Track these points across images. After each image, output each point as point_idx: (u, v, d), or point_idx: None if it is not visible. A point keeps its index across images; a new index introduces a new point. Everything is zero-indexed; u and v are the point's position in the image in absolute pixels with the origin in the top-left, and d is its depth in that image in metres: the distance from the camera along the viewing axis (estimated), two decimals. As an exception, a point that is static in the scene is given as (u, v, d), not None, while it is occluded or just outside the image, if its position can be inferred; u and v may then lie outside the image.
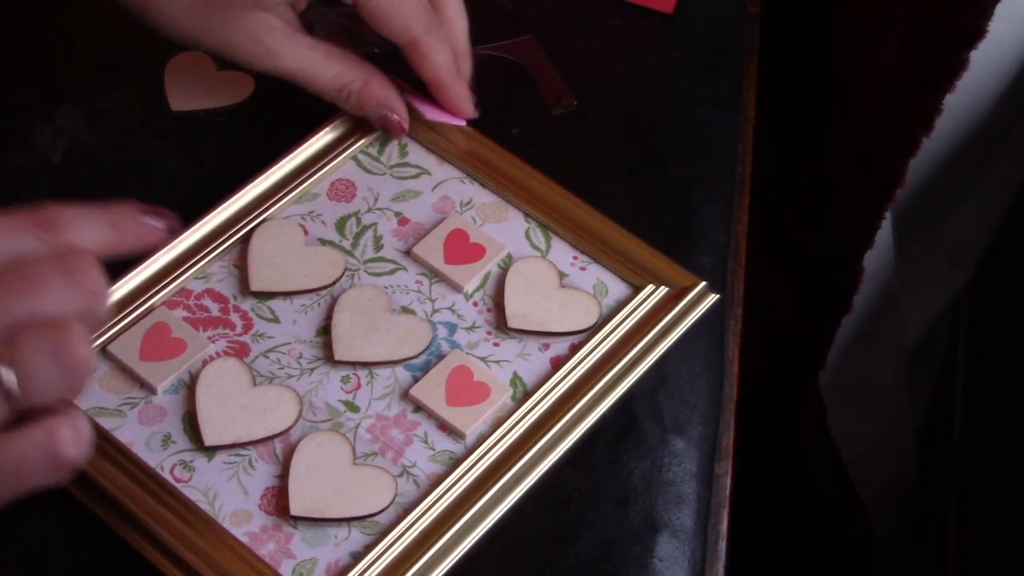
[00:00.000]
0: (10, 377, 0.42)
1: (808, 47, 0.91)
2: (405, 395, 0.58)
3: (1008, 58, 0.79)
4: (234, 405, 0.57)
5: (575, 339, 0.60)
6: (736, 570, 0.61)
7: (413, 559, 0.53)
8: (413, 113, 0.66)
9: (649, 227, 0.64)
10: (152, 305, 0.60)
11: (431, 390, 0.58)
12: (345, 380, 0.59)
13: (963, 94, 0.74)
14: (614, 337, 0.60)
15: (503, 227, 0.64)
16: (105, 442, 0.55)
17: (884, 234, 0.83)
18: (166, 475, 0.55)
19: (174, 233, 0.51)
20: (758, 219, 0.70)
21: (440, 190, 0.65)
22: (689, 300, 0.61)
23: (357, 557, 0.54)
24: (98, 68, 0.70)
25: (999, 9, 0.69)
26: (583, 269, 0.63)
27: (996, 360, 1.05)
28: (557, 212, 0.64)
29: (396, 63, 0.64)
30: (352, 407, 0.58)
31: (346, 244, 0.63)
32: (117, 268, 0.60)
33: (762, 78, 0.73)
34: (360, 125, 0.66)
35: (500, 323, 0.61)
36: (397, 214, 0.64)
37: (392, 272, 0.62)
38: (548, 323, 0.60)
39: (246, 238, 0.62)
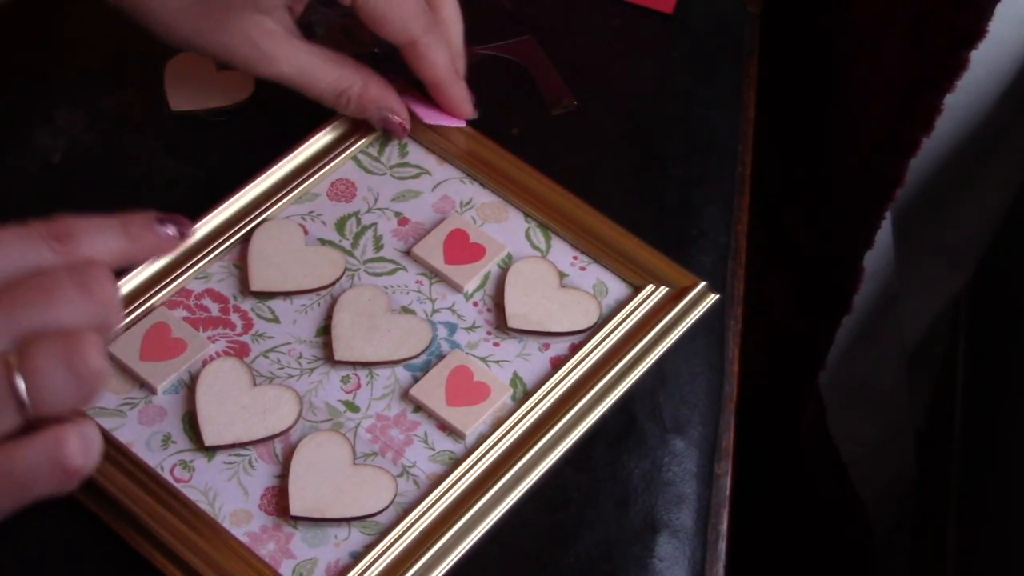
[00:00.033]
0: (21, 386, 0.42)
1: (808, 47, 0.91)
2: (405, 395, 0.58)
3: (1008, 58, 0.79)
4: (234, 405, 0.57)
5: (575, 339, 0.60)
6: (736, 570, 0.61)
7: (413, 559, 0.53)
8: (412, 117, 0.66)
9: (649, 227, 0.64)
10: (152, 305, 0.60)
11: (431, 390, 0.58)
12: (345, 380, 0.59)
13: (963, 94, 0.74)
14: (614, 337, 0.60)
15: (503, 227, 0.64)
16: (105, 442, 0.55)
17: (884, 234, 0.83)
18: (166, 475, 0.55)
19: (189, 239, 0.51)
20: (758, 219, 0.70)
21: (440, 190, 0.65)
22: (689, 300, 0.61)
23: (357, 557, 0.54)
24: (98, 68, 0.70)
25: (999, 9, 0.69)
26: (583, 269, 0.63)
27: (996, 360, 1.05)
28: (557, 212, 0.64)
29: (395, 63, 0.64)
30: (352, 407, 0.58)
31: (346, 244, 0.63)
32: (117, 268, 0.60)
33: (762, 78, 0.73)
34: (360, 125, 0.66)
35: (500, 323, 0.61)
36: (397, 214, 0.64)
37: (392, 272, 0.62)
38: (548, 323, 0.60)
39: (246, 238, 0.62)
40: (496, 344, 0.60)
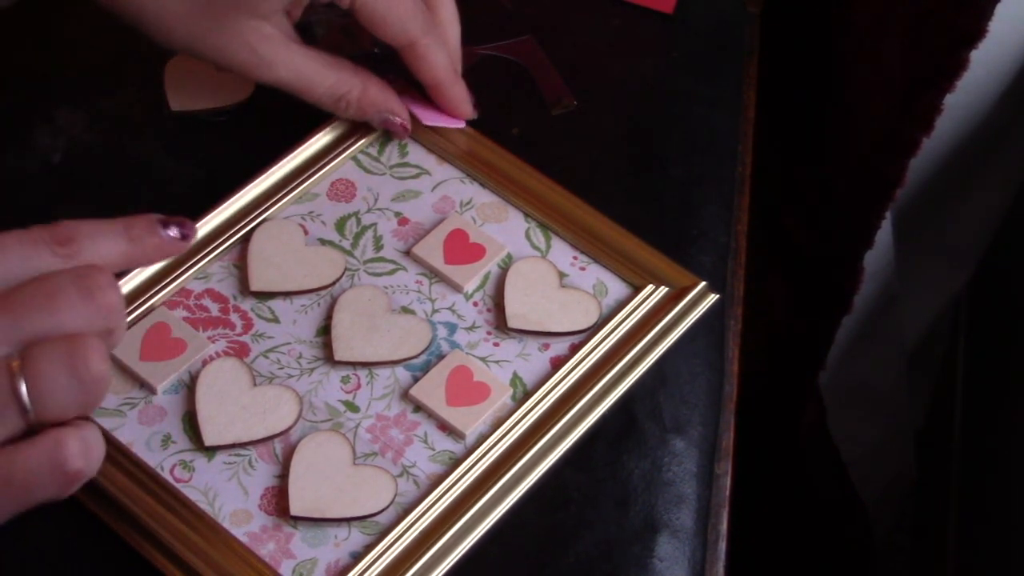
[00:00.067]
0: (23, 390, 0.42)
1: (808, 47, 0.91)
2: (405, 395, 0.58)
3: (1008, 58, 0.79)
4: (234, 405, 0.57)
5: (575, 339, 0.60)
6: (736, 570, 0.61)
7: (413, 559, 0.53)
8: (412, 118, 0.66)
9: (649, 227, 0.64)
10: (152, 305, 0.60)
11: (431, 390, 0.58)
12: (345, 380, 0.59)
13: (963, 94, 0.74)
14: (614, 337, 0.60)
15: (503, 227, 0.64)
16: (105, 442, 0.55)
17: (884, 234, 0.83)
18: (166, 475, 0.55)
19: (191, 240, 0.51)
20: (758, 219, 0.70)
21: (440, 190, 0.65)
22: (689, 300, 0.61)
23: (357, 557, 0.54)
24: (98, 68, 0.70)
25: (999, 9, 0.69)
26: (583, 269, 0.63)
27: (996, 360, 1.05)
28: (557, 212, 0.64)
29: (395, 64, 0.64)
30: (352, 407, 0.58)
31: (346, 244, 0.63)
32: (120, 271, 0.60)
33: (762, 78, 0.73)
34: (360, 125, 0.66)
35: (500, 323, 0.61)
36: (397, 214, 0.64)
37: (392, 272, 0.62)
38: (548, 323, 0.60)
39: (246, 238, 0.62)
40: (496, 344, 0.60)
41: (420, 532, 0.54)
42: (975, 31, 0.70)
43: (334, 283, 0.61)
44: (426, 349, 0.59)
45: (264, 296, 0.61)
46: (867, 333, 0.93)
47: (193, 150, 0.67)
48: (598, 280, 0.63)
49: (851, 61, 0.86)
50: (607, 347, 0.60)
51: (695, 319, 0.61)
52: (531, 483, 0.56)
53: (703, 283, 0.62)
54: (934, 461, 1.13)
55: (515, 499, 0.56)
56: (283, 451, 0.56)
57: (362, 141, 0.66)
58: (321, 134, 0.66)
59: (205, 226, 0.62)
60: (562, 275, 0.63)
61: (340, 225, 0.64)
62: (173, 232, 0.48)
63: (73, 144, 0.66)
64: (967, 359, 1.12)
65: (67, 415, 0.43)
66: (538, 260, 0.63)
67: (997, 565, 0.96)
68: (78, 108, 0.68)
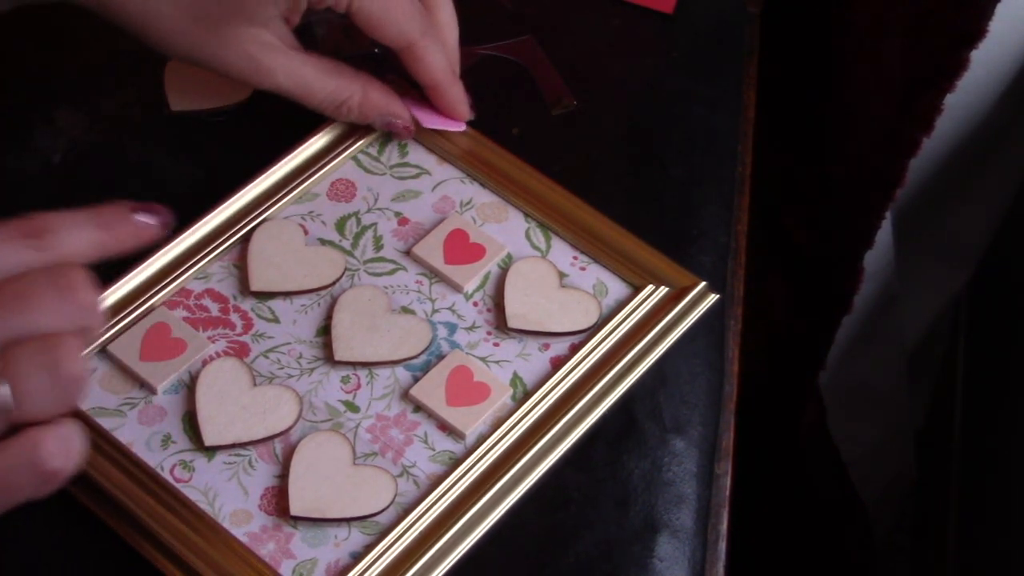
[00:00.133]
0: (4, 391, 0.42)
1: (808, 47, 0.91)
2: (405, 395, 0.58)
3: (1008, 58, 0.79)
4: (234, 405, 0.57)
5: (575, 339, 0.60)
6: (736, 570, 0.61)
7: (413, 559, 0.53)
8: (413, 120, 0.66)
9: (649, 227, 0.64)
10: (152, 305, 0.60)
11: (431, 390, 0.58)
12: (345, 380, 0.59)
13: (963, 94, 0.74)
14: (614, 337, 0.60)
15: (503, 227, 0.64)
16: (105, 442, 0.56)
17: (884, 234, 0.83)
18: (166, 475, 0.55)
19: (172, 229, 0.51)
20: (758, 219, 0.70)
21: (440, 190, 0.65)
22: (689, 300, 0.61)
23: (357, 557, 0.54)
24: (98, 68, 0.70)
25: (999, 9, 0.69)
26: (583, 269, 0.63)
27: (996, 360, 1.05)
28: (557, 212, 0.64)
29: (395, 65, 0.64)
30: (352, 407, 0.58)
31: (346, 244, 0.63)
32: (117, 268, 0.60)
33: (762, 78, 0.73)
34: (360, 126, 0.66)
35: (500, 323, 0.61)
36: (397, 214, 0.64)
37: (392, 272, 0.62)
38: (548, 323, 0.60)
39: (246, 238, 0.62)
40: (496, 344, 0.60)
41: (420, 532, 0.54)
42: (975, 31, 0.70)
43: (334, 283, 0.61)
44: (426, 349, 0.59)
45: (264, 296, 0.61)
46: (867, 333, 0.93)
47: (193, 150, 0.67)
48: (598, 280, 0.63)
49: (851, 61, 0.86)
50: (607, 347, 0.60)
51: (695, 319, 0.61)
52: (531, 483, 0.56)
53: (703, 283, 0.62)
54: (934, 461, 1.13)
55: (515, 499, 0.56)
56: (283, 451, 0.56)
57: (362, 141, 0.66)
58: (321, 134, 0.66)
59: (205, 226, 0.62)
60: (562, 275, 0.63)
61: (340, 225, 0.64)
62: (145, 218, 0.48)
63: (73, 144, 0.66)
64: (967, 359, 1.12)
65: (46, 415, 0.43)
66: (538, 260, 0.63)
67: (997, 565, 0.96)
68: (78, 108, 0.68)
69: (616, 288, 0.62)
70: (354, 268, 0.62)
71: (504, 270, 0.62)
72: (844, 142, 0.88)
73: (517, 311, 0.61)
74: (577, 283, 0.62)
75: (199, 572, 0.52)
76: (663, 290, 0.62)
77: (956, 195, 0.90)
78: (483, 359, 0.60)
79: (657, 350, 0.60)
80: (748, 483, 0.67)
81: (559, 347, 0.60)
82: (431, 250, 0.62)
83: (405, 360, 0.59)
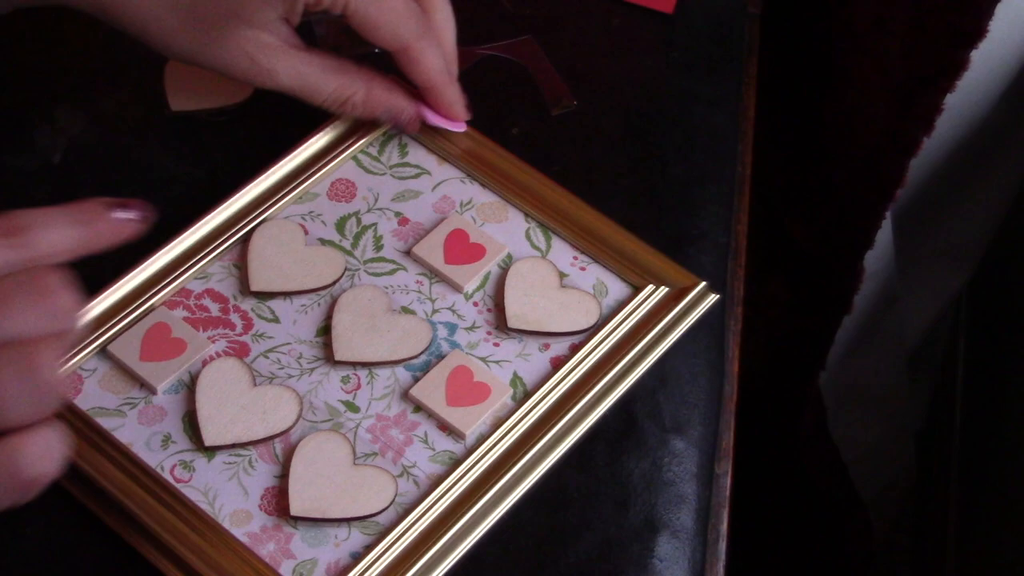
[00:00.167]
0: None
1: (808, 47, 0.91)
2: (405, 395, 0.58)
3: (1008, 58, 0.79)
4: (234, 405, 0.57)
5: (575, 339, 0.60)
6: (736, 570, 0.61)
7: (413, 559, 0.53)
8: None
9: (649, 227, 0.64)
10: (152, 305, 0.60)
11: (431, 390, 0.58)
12: (345, 380, 0.59)
13: (963, 94, 0.74)
14: (614, 337, 0.60)
15: (503, 227, 0.64)
16: (105, 442, 0.56)
17: (884, 234, 0.83)
18: (166, 475, 0.55)
19: (153, 222, 0.49)
20: (758, 219, 0.70)
21: (440, 190, 0.65)
22: (689, 300, 0.61)
23: (357, 557, 0.54)
24: (98, 68, 0.70)
25: (999, 9, 0.69)
26: (583, 269, 0.63)
27: (996, 360, 1.05)
28: (557, 212, 0.64)
29: (393, 65, 0.64)
30: (352, 407, 0.58)
31: (346, 244, 0.63)
32: (117, 268, 0.60)
33: (762, 78, 0.73)
34: (360, 125, 0.66)
35: (500, 323, 0.61)
36: (397, 214, 0.64)
37: (392, 272, 0.62)
38: (548, 323, 0.60)
39: (246, 238, 0.62)
40: (496, 344, 0.60)
41: (420, 532, 0.54)
42: (975, 31, 0.70)
43: (334, 283, 0.61)
44: (426, 349, 0.59)
45: (264, 296, 0.61)
46: (867, 333, 0.93)
47: (193, 150, 0.67)
48: (598, 280, 0.63)
49: (851, 61, 0.86)
50: (607, 347, 0.60)
51: (695, 319, 0.61)
52: (531, 483, 0.56)
53: (703, 283, 0.62)
54: (934, 461, 1.13)
55: (515, 499, 0.56)
56: (283, 451, 0.56)
57: (362, 141, 0.66)
58: (321, 134, 0.66)
59: (205, 226, 0.62)
60: (562, 275, 0.63)
61: (340, 225, 0.64)
62: (126, 214, 0.47)
63: (73, 144, 0.66)
64: (967, 359, 1.12)
65: (24, 422, 0.43)
66: (538, 260, 0.63)
67: (997, 565, 0.96)
68: (78, 108, 0.68)
69: (616, 288, 0.62)
70: (354, 268, 0.62)
71: (504, 270, 0.62)
72: (844, 142, 0.88)
73: (517, 311, 0.61)
74: (577, 283, 0.62)
75: (199, 572, 0.52)
76: (663, 290, 0.62)
77: (956, 195, 0.90)
78: (483, 359, 0.60)
79: (657, 350, 0.60)
80: (748, 483, 0.67)
81: (559, 347, 0.60)
82: (431, 250, 0.62)
83: (405, 360, 0.59)
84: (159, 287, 0.60)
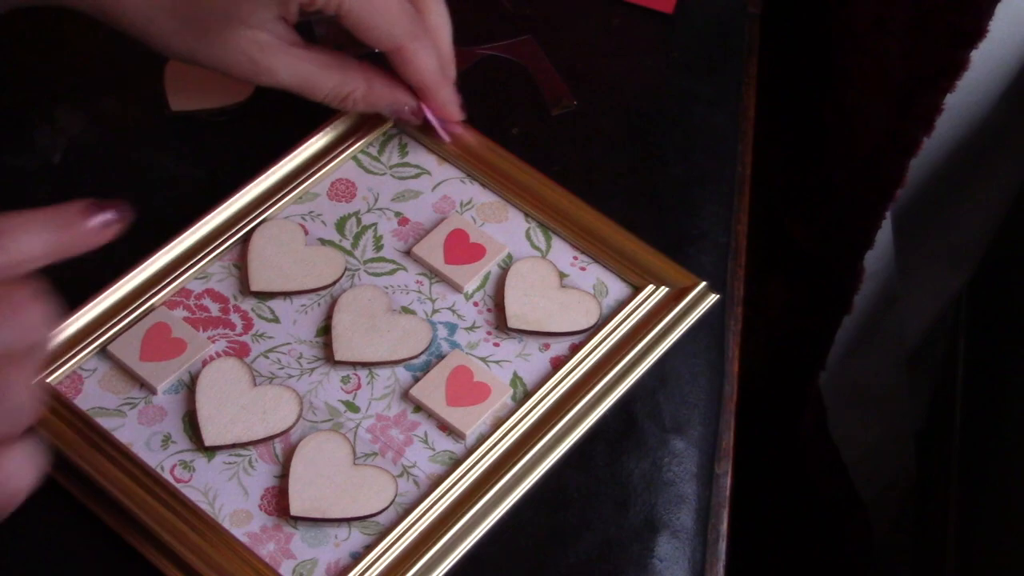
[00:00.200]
0: None
1: (808, 47, 0.91)
2: (405, 395, 0.58)
3: (1008, 58, 0.79)
4: (234, 405, 0.57)
5: (575, 339, 0.60)
6: (736, 570, 0.61)
7: (413, 559, 0.53)
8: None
9: (649, 227, 0.64)
10: (152, 305, 0.60)
11: (431, 390, 0.58)
12: (345, 380, 0.59)
13: (963, 94, 0.74)
14: (614, 337, 0.60)
15: (503, 227, 0.64)
16: (105, 442, 0.55)
17: (884, 234, 0.83)
18: (166, 475, 0.55)
19: (132, 221, 0.48)
20: (758, 219, 0.70)
21: (440, 190, 0.65)
22: (689, 300, 0.61)
23: (357, 557, 0.54)
24: (98, 68, 0.70)
25: (999, 9, 0.69)
26: (583, 269, 0.63)
27: (996, 360, 1.05)
28: (557, 212, 0.64)
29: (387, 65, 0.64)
30: (352, 407, 0.58)
31: (346, 244, 0.63)
32: (117, 268, 0.60)
33: (762, 78, 0.73)
34: (360, 125, 0.66)
35: (500, 323, 0.61)
36: (397, 214, 0.64)
37: (392, 272, 0.62)
38: (548, 323, 0.60)
39: (246, 238, 0.62)
40: (496, 344, 0.60)
41: (420, 532, 0.54)
42: (975, 31, 0.70)
43: (334, 283, 0.61)
44: (426, 349, 0.59)
45: (264, 296, 0.61)
46: (867, 333, 0.93)
47: (193, 150, 0.67)
48: (598, 280, 0.63)
49: (851, 61, 0.86)
50: (607, 347, 0.60)
51: (695, 319, 0.61)
52: (531, 483, 0.56)
53: (703, 283, 0.62)
54: (934, 461, 1.13)
55: (515, 499, 0.56)
56: (283, 451, 0.56)
57: (362, 141, 0.66)
58: (321, 134, 0.66)
59: (205, 226, 0.62)
60: (562, 275, 0.63)
61: (340, 225, 0.64)
62: (104, 217, 0.46)
63: (73, 144, 0.66)
64: (967, 359, 1.12)
65: None
66: (538, 260, 0.63)
67: (997, 565, 0.96)
68: (78, 108, 0.68)
69: (616, 288, 0.62)
70: (354, 268, 0.62)
71: (504, 270, 0.62)
72: (844, 142, 0.88)
73: (517, 311, 0.61)
74: (577, 283, 0.62)
75: (199, 572, 0.52)
76: (663, 290, 0.62)
77: (956, 195, 0.90)
78: (483, 359, 0.60)
79: (657, 350, 0.60)
80: (748, 483, 0.67)
81: (559, 347, 0.60)
82: (431, 250, 0.62)
83: (405, 360, 0.59)
84: (159, 287, 0.60)
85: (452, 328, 0.61)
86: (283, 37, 0.61)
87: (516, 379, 0.59)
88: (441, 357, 0.59)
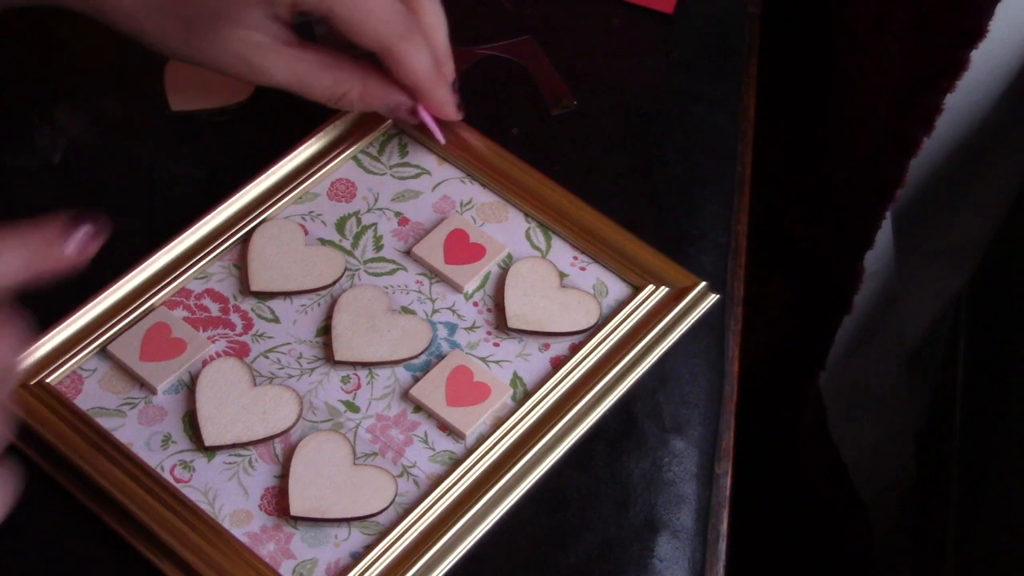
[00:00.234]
0: None
1: (808, 47, 0.91)
2: (405, 395, 0.58)
3: (1008, 58, 0.79)
4: (234, 405, 0.57)
5: (575, 339, 0.60)
6: (736, 570, 0.61)
7: (413, 559, 0.53)
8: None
9: (649, 227, 0.64)
10: (152, 305, 0.60)
11: (431, 390, 0.58)
12: (345, 380, 0.59)
13: (963, 94, 0.74)
14: (614, 337, 0.60)
15: (503, 227, 0.64)
16: (105, 442, 0.55)
17: (884, 234, 0.83)
18: (166, 475, 0.55)
19: (109, 235, 0.48)
20: (758, 219, 0.70)
21: (440, 190, 0.65)
22: (689, 300, 0.61)
23: (357, 557, 0.54)
24: (98, 68, 0.70)
25: (999, 9, 0.70)
26: (583, 269, 0.63)
27: (996, 360, 1.05)
28: (557, 212, 0.64)
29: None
30: (352, 407, 0.58)
31: (346, 244, 0.63)
32: (117, 268, 0.60)
33: (762, 78, 0.73)
34: (360, 125, 0.66)
35: (500, 323, 0.61)
36: (397, 214, 0.64)
37: (392, 272, 0.62)
38: (548, 323, 0.60)
39: (246, 238, 0.62)
40: (496, 344, 0.60)
41: (420, 532, 0.54)
42: (975, 31, 0.70)
43: (334, 283, 0.61)
44: (426, 349, 0.59)
45: (264, 296, 0.61)
46: (867, 333, 0.93)
47: (193, 150, 0.67)
48: (598, 280, 0.63)
49: (851, 61, 0.86)
50: (607, 347, 0.60)
51: (695, 319, 0.61)
52: (531, 483, 0.56)
53: (703, 283, 0.62)
54: (934, 461, 1.13)
55: (515, 499, 0.56)
56: (283, 451, 0.56)
57: (362, 141, 0.66)
58: (321, 134, 0.66)
59: (205, 226, 0.62)
60: (562, 275, 0.63)
61: (340, 225, 0.64)
62: (82, 233, 0.45)
63: (73, 144, 0.66)
64: (967, 359, 1.12)
65: None
66: (538, 260, 0.63)
67: (997, 565, 0.96)
68: (78, 108, 0.68)
69: (616, 288, 0.62)
70: (354, 268, 0.62)
71: (504, 270, 0.62)
72: (844, 142, 0.88)
73: (517, 311, 0.61)
74: (577, 283, 0.62)
75: (199, 572, 0.52)
76: (663, 290, 0.62)
77: (956, 195, 0.90)
78: (483, 359, 0.60)
79: (657, 350, 0.60)
80: (748, 483, 0.67)
81: (559, 347, 0.60)
82: (431, 250, 0.62)
83: (405, 360, 0.59)
84: (159, 287, 0.60)
85: (452, 328, 0.61)
86: (277, 36, 0.60)
87: (516, 379, 0.59)
88: (441, 357, 0.59)
